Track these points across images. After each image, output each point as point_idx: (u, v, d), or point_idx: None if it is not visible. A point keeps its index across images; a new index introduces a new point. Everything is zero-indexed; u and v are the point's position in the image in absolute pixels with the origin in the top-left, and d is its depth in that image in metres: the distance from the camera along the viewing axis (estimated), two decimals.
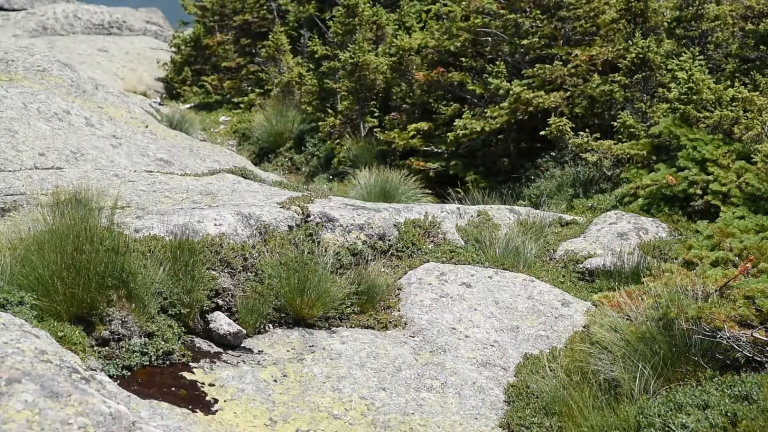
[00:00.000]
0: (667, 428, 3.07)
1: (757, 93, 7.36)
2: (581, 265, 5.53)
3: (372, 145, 10.46)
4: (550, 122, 8.52)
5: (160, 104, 14.18)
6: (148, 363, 3.54)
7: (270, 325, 4.22)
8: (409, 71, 10.44)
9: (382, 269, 4.90)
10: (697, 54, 7.79)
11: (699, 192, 6.53)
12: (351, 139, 10.75)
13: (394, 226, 5.35)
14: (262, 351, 3.99)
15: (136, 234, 4.27)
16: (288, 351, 4.03)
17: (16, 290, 3.34)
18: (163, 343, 3.62)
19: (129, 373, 3.44)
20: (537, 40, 9.30)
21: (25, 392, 2.29)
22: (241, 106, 14.43)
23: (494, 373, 4.08)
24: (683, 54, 7.88)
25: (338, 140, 11.06)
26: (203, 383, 3.57)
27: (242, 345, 4.01)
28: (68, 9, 19.98)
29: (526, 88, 8.86)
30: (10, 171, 5.65)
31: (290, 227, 4.88)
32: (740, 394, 3.15)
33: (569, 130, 8.47)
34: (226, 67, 16.04)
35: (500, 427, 3.64)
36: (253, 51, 16.20)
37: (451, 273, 4.98)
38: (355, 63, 10.67)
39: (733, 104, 7.12)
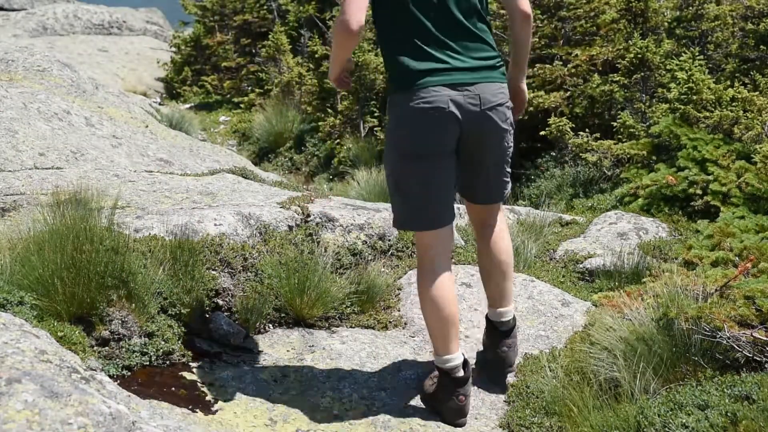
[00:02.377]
0: (667, 428, 3.06)
1: (757, 93, 7.36)
2: (581, 265, 5.52)
3: (372, 145, 10.45)
4: (550, 122, 8.52)
5: (160, 104, 14.18)
6: (148, 363, 3.53)
7: (270, 325, 4.22)
8: None
9: (382, 269, 4.90)
10: (696, 54, 7.79)
11: (699, 192, 6.52)
12: (351, 139, 10.75)
13: None
14: (262, 351, 3.99)
15: (136, 234, 4.26)
16: (288, 351, 4.03)
17: (16, 290, 3.34)
18: (163, 343, 3.61)
19: (129, 373, 3.43)
20: (537, 40, 9.30)
21: (25, 392, 2.29)
22: (241, 106, 14.43)
23: None
24: (683, 54, 7.88)
25: (338, 140, 11.06)
26: (203, 383, 3.57)
27: (242, 345, 4.01)
28: (68, 9, 19.98)
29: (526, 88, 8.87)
30: (10, 171, 5.64)
31: (290, 227, 4.87)
32: (740, 394, 3.15)
33: (569, 130, 8.47)
34: (226, 67, 16.03)
35: (500, 427, 3.63)
36: (253, 51, 16.20)
37: None
38: (355, 63, 10.66)
39: (733, 104, 7.12)
